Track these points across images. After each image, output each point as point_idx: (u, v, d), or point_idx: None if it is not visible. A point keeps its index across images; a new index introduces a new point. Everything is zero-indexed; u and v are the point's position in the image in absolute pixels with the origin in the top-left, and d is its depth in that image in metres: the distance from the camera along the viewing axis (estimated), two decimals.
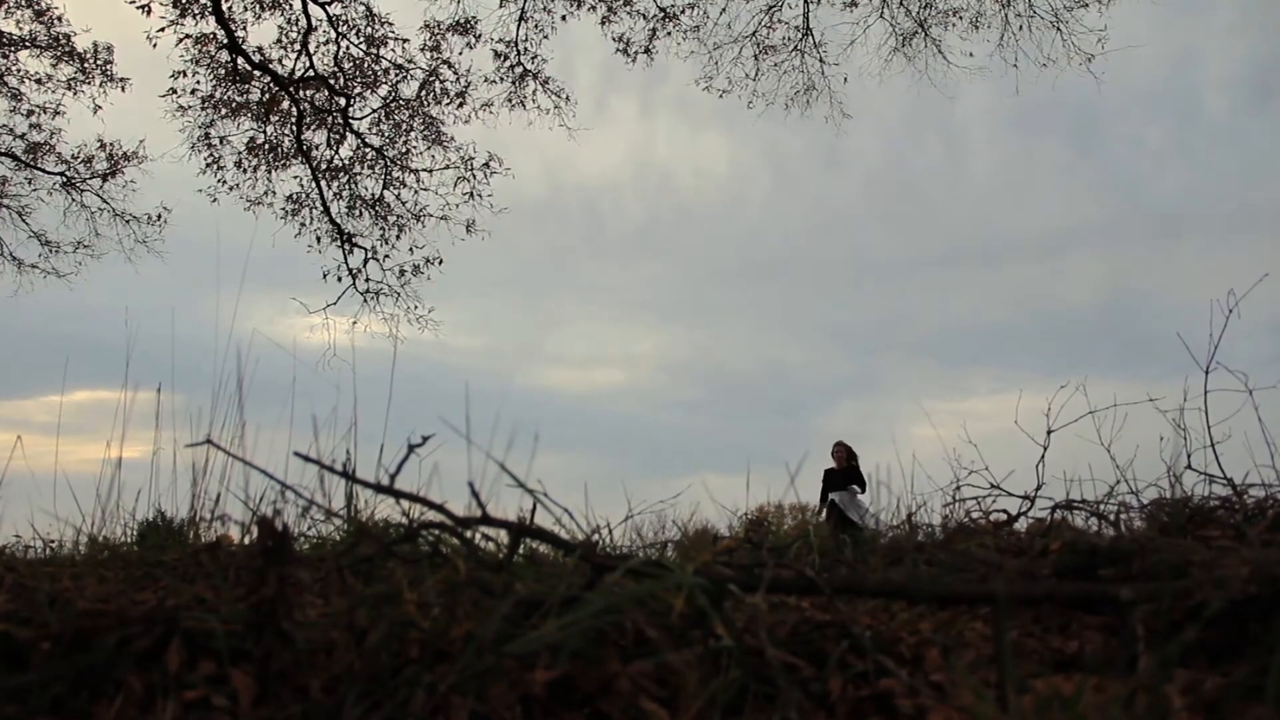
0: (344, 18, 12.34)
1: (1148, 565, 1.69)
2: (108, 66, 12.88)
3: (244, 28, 11.85)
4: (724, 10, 12.51)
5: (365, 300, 13.19)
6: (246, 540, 2.27)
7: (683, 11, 12.46)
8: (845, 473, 11.23)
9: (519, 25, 12.58)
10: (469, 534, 1.64)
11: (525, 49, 12.71)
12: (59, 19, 12.46)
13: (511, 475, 1.60)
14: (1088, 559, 1.78)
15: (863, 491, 10.70)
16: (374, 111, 12.91)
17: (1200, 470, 3.07)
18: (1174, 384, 3.23)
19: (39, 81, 12.76)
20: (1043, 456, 3.56)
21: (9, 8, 12.20)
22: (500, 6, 12.45)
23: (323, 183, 12.96)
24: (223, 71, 12.13)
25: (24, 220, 13.75)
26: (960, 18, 12.24)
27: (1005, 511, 3.36)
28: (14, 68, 12.66)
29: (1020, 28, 11.96)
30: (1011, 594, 1.35)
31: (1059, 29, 11.81)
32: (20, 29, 12.44)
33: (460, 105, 12.83)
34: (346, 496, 2.03)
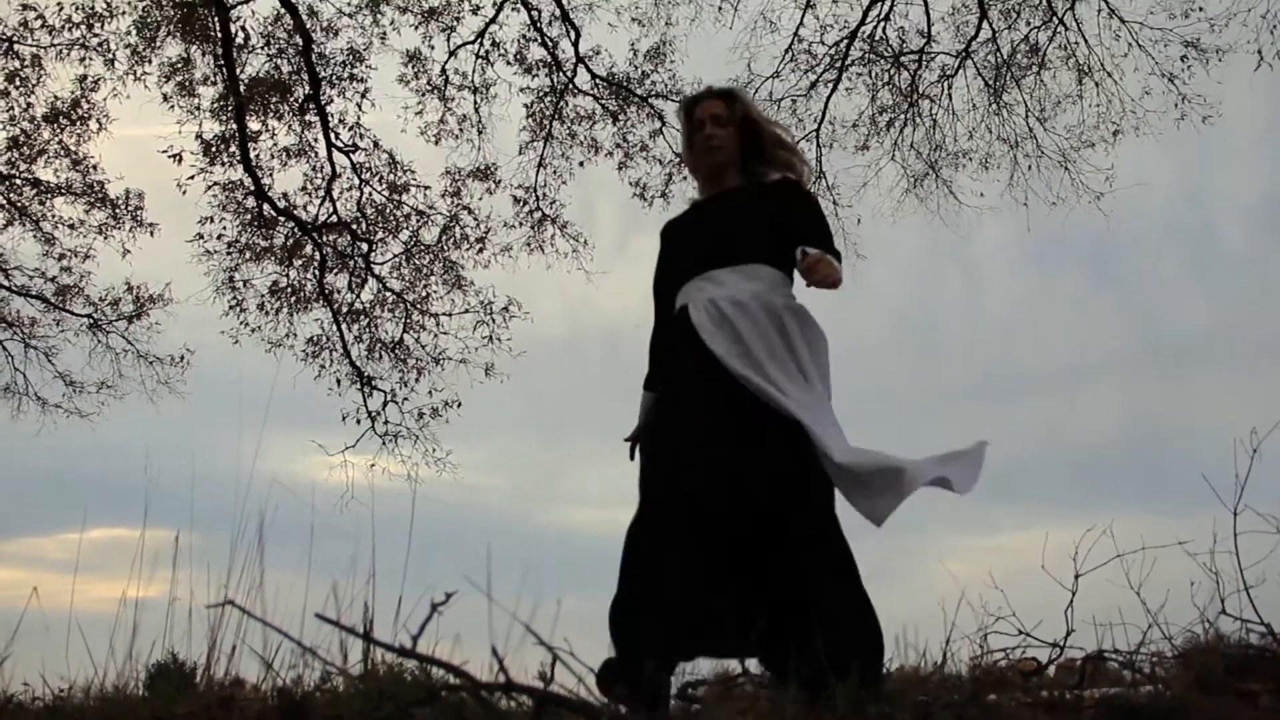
0: (367, 165, 12.77)
1: None
2: (138, 212, 13.24)
3: (270, 175, 12.26)
4: None
5: (384, 443, 13.20)
6: (262, 688, 2.22)
7: None
8: (746, 206, 2.74)
9: (538, 171, 12.97)
10: (492, 698, 1.60)
11: (544, 194, 13.06)
12: (94, 167, 12.93)
13: (535, 635, 1.58)
14: (1126, 718, 1.72)
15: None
16: (395, 256, 13.17)
17: (1235, 615, 3.00)
18: (1201, 519, 3.18)
19: (71, 226, 13.16)
20: (1071, 601, 3.49)
21: (49, 158, 12.70)
22: (519, 154, 12.88)
23: (343, 325, 13.14)
24: (249, 217, 12.48)
25: (50, 361, 13.95)
26: (970, 159, 12.55)
27: (1035, 660, 3.27)
28: (49, 214, 13.08)
29: (1029, 168, 12.24)
30: None
31: (1067, 168, 12.08)
32: (58, 177, 12.91)
33: (480, 250, 13.09)
34: (364, 653, 2.00)
